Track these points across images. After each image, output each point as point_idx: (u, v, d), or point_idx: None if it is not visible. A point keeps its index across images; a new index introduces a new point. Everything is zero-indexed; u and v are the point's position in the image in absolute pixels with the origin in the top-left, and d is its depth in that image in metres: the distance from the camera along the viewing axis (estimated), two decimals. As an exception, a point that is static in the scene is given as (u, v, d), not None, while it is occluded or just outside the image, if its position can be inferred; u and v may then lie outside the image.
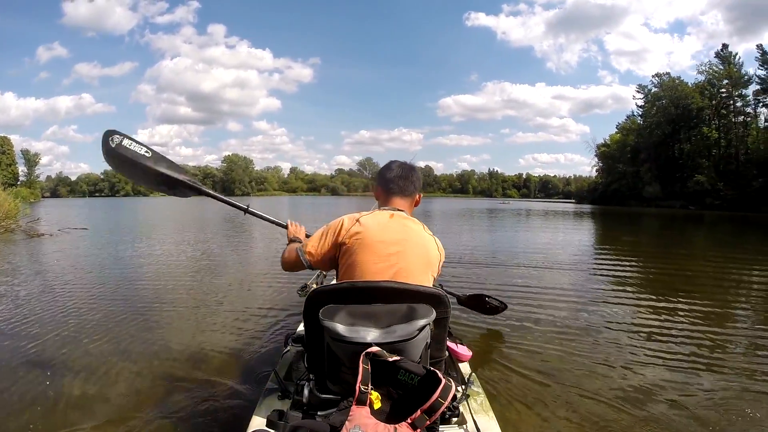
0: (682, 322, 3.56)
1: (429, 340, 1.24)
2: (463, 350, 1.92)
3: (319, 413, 1.21)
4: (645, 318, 3.70)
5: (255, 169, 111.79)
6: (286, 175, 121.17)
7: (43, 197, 68.10)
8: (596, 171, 55.63)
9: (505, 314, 3.39)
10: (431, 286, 1.40)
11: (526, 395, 2.21)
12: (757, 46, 36.63)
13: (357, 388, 1.03)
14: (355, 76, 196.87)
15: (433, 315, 1.22)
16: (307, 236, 1.68)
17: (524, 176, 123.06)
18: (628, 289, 4.97)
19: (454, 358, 1.79)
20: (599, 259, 7.68)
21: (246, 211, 2.15)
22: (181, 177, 2.06)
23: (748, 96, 37.87)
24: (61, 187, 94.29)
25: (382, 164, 1.75)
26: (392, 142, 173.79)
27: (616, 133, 51.07)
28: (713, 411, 2.06)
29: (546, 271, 6.00)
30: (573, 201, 63.53)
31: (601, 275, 5.84)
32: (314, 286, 1.91)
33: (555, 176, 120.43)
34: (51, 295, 4.30)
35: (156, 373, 2.49)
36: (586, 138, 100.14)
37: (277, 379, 1.50)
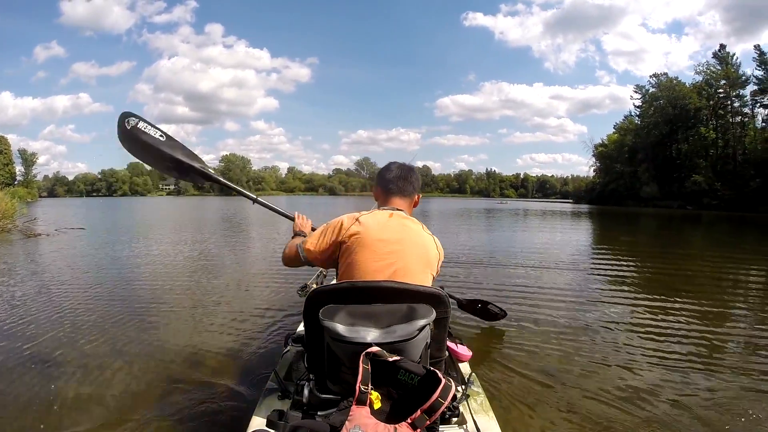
0: (681, 322, 3.56)
1: (429, 340, 1.24)
2: (463, 350, 1.92)
3: (319, 413, 1.21)
4: (643, 318, 3.71)
5: (252, 168, 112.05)
6: (283, 175, 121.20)
7: (41, 197, 67.84)
8: (594, 171, 55.91)
9: (504, 314, 3.39)
10: (431, 285, 1.41)
11: (526, 395, 2.21)
12: (754, 46, 37.02)
13: (357, 388, 1.03)
14: (352, 76, 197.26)
15: (433, 315, 1.21)
16: (313, 229, 1.70)
17: (522, 176, 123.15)
18: (627, 288, 4.98)
19: (454, 358, 1.78)
20: (597, 259, 7.70)
21: (255, 200, 2.18)
22: (193, 163, 2.06)
23: (746, 96, 38.09)
24: (59, 187, 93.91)
25: (379, 164, 1.77)
26: (390, 142, 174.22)
27: (614, 133, 51.25)
28: (714, 411, 2.06)
29: (544, 271, 6.00)
30: (570, 201, 63.68)
31: (599, 275, 5.85)
32: (314, 286, 1.90)
33: (552, 176, 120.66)
34: (47, 296, 4.28)
35: (154, 374, 2.47)
36: (583, 138, 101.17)
37: (277, 379, 1.49)
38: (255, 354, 2.76)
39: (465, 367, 1.81)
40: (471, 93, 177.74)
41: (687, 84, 42.07)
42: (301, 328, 1.76)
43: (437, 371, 1.06)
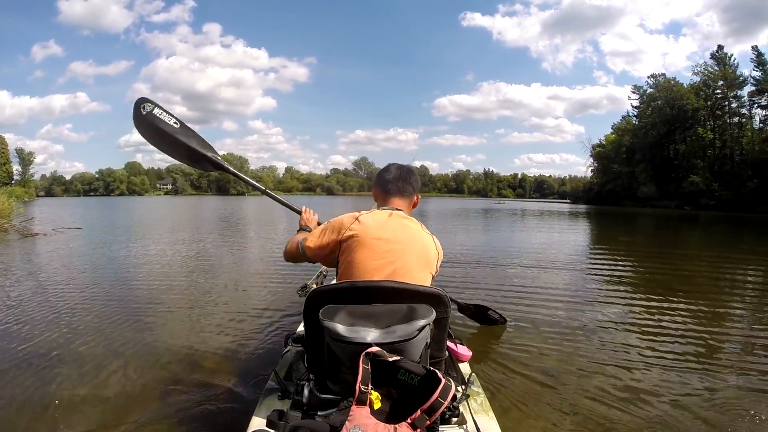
0: (680, 322, 3.57)
1: (429, 340, 1.23)
2: (463, 350, 1.91)
3: (319, 413, 1.21)
4: (642, 318, 3.72)
5: (250, 168, 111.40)
6: (281, 175, 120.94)
7: (38, 196, 67.48)
8: (591, 171, 56.00)
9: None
10: (430, 284, 1.41)
11: (526, 395, 2.21)
12: (752, 47, 37.21)
13: (357, 388, 1.03)
14: (350, 76, 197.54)
15: (433, 315, 1.21)
16: (319, 224, 1.73)
17: (519, 176, 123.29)
18: (625, 289, 4.99)
19: (454, 358, 1.78)
20: (596, 259, 7.71)
21: (264, 192, 2.24)
22: (206, 152, 2.08)
23: (743, 97, 38.26)
24: (56, 186, 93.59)
25: (377, 164, 1.78)
26: (388, 141, 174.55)
27: (612, 133, 51.40)
28: (714, 411, 2.07)
29: (543, 271, 6.01)
30: (568, 201, 63.80)
31: (597, 275, 5.87)
32: (314, 286, 1.90)
33: (550, 176, 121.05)
34: (44, 296, 4.26)
35: (153, 374, 2.46)
36: (581, 138, 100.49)
37: (277, 379, 1.49)
38: (254, 354, 2.75)
39: (465, 367, 1.80)
40: (469, 93, 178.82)
41: (685, 85, 42.26)
42: (301, 328, 1.75)
43: (437, 371, 1.05)
